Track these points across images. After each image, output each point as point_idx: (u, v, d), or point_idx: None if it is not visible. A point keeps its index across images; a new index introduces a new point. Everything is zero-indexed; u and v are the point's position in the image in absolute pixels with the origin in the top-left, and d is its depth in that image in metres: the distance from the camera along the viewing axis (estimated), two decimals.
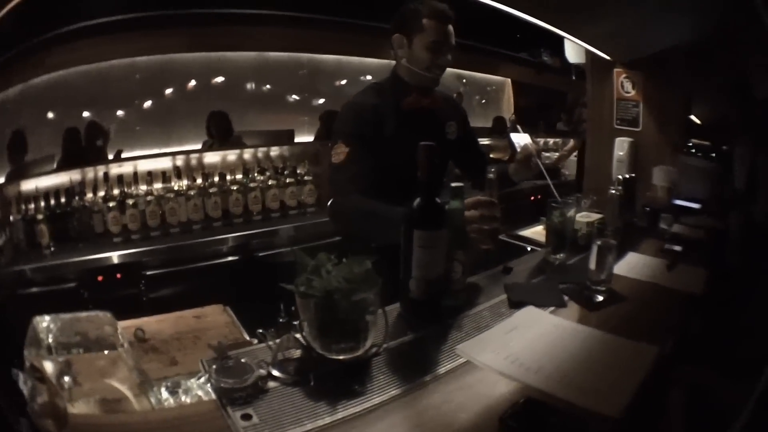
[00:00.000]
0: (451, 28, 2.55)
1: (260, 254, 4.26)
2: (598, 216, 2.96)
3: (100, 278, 3.68)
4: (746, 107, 3.53)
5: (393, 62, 2.75)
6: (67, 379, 1.32)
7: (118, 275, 3.75)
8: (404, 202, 1.83)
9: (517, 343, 1.71)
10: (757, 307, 2.52)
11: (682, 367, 1.81)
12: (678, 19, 3.05)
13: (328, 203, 2.61)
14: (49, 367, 1.31)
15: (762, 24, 1.26)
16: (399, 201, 1.97)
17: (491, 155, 6.71)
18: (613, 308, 2.08)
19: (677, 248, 2.84)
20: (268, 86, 6.71)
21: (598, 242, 2.14)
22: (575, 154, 6.89)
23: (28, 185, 4.02)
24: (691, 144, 4.23)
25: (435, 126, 2.74)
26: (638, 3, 2.77)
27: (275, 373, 1.45)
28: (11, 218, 3.79)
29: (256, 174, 4.75)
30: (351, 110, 2.63)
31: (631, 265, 2.63)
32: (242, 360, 1.45)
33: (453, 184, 1.92)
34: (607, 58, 4.23)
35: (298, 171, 4.88)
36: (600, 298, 2.12)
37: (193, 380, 1.49)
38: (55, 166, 4.57)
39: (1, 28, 1.30)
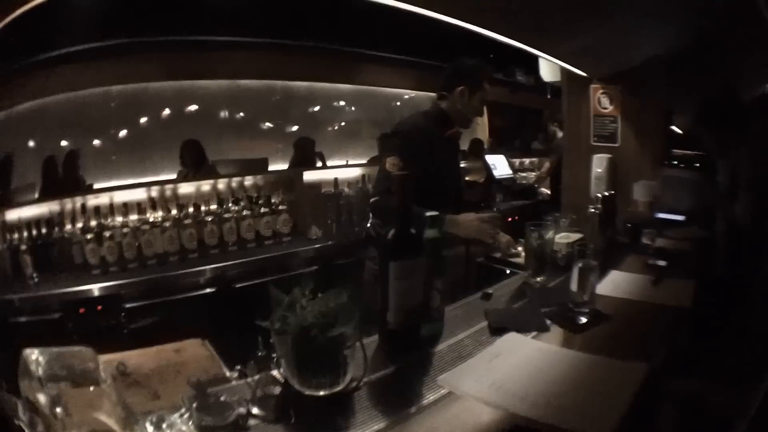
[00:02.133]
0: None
1: (237, 285, 4.24)
2: (578, 236, 2.94)
3: (81, 310, 3.64)
4: (720, 121, 3.56)
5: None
6: (59, 410, 1.30)
7: (99, 307, 3.70)
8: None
9: (500, 371, 1.69)
10: (748, 314, 2.53)
11: (674, 382, 1.80)
12: (656, 30, 3.07)
13: (371, 200, 3.13)
14: (42, 398, 1.30)
15: (759, 24, 1.25)
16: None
17: (467, 178, 6.72)
18: (597, 329, 2.07)
19: (662, 263, 2.86)
20: (241, 114, 6.77)
21: (579, 264, 2.14)
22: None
23: (12, 215, 4.00)
24: (673, 155, 4.25)
25: (458, 152, 3.56)
26: (615, 17, 2.79)
27: (255, 411, 1.42)
28: None
29: (230, 204, 4.73)
30: (411, 127, 3.22)
31: (614, 283, 2.63)
32: (221, 398, 1.43)
33: (428, 214, 1.91)
34: (584, 74, 4.24)
35: (273, 200, 4.86)
36: (583, 319, 2.11)
37: (175, 415, 1.47)
38: (36, 195, 4.55)
39: None
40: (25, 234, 3.88)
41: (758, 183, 3.16)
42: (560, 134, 6.32)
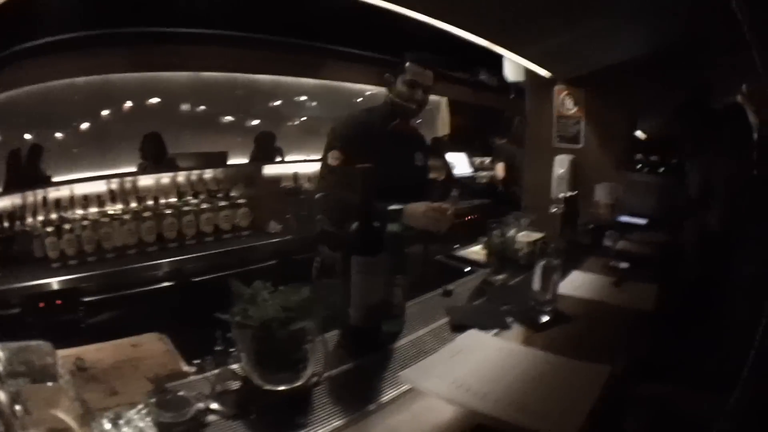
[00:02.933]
0: (429, 72, 3.14)
1: (195, 279, 4.24)
2: (540, 235, 2.95)
3: (41, 304, 3.63)
4: (698, 120, 3.59)
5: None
6: (18, 407, 1.27)
7: (58, 301, 3.68)
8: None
9: (462, 368, 1.69)
10: (718, 320, 2.55)
11: (643, 386, 1.80)
12: (627, 33, 3.09)
13: (315, 196, 3.07)
14: (1, 396, 1.26)
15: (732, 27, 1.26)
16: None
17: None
18: (558, 328, 2.08)
19: (624, 265, 2.88)
20: (203, 107, 6.70)
21: (542, 262, 2.14)
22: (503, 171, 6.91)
23: None
24: (637, 159, 4.27)
25: (411, 148, 3.36)
26: (586, 19, 2.80)
27: (214, 406, 1.41)
28: None
29: (190, 197, 4.72)
30: (351, 119, 3.23)
31: (576, 283, 2.65)
32: (180, 393, 1.42)
33: (390, 208, 1.91)
34: (549, 75, 4.26)
35: (232, 194, 4.88)
36: (545, 318, 2.12)
37: (133, 411, 1.45)
38: (1, 188, 4.51)
39: None
40: None
41: (732, 183, 3.20)
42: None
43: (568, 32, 3.05)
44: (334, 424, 1.38)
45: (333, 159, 2.96)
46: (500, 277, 2.60)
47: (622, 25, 2.91)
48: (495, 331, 2.03)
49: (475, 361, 1.75)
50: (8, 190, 4.38)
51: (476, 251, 3.33)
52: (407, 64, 3.10)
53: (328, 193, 2.97)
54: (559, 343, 1.92)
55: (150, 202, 4.50)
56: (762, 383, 1.21)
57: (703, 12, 2.64)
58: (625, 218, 3.88)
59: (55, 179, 4.93)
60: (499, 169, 6.86)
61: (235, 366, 1.54)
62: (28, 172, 4.96)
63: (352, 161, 2.54)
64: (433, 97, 9.52)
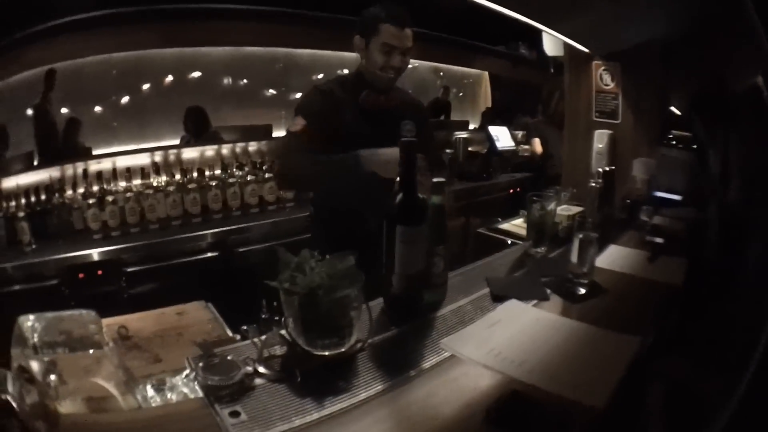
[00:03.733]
0: (407, 31, 2.69)
1: (240, 250, 4.25)
2: (579, 209, 2.97)
3: (81, 275, 3.66)
4: (712, 109, 3.57)
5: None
6: (52, 377, 1.30)
7: (99, 272, 3.73)
8: None
9: (500, 337, 1.72)
10: (735, 299, 2.54)
11: (662, 361, 1.82)
12: (657, 12, 3.06)
13: (275, 163, 2.91)
14: (34, 366, 1.30)
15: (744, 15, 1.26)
16: None
17: (470, 148, 6.71)
18: (594, 301, 2.09)
19: (659, 240, 2.89)
20: (244, 81, 6.71)
21: (580, 236, 2.16)
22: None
23: (9, 182, 4.00)
24: (671, 136, 4.25)
25: (390, 123, 2.59)
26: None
27: (261, 369, 1.45)
28: None
29: (234, 169, 4.74)
30: (317, 92, 2.82)
31: (612, 257, 2.65)
32: (228, 357, 1.46)
33: (434, 180, 1.93)
34: (586, 50, 4.24)
35: None
36: (582, 291, 2.13)
37: (177, 378, 1.49)
38: (35, 162, 4.55)
39: None
40: (23, 201, 3.90)
41: (747, 170, 3.18)
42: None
43: (599, 9, 3.04)
44: (376, 388, 1.42)
45: (294, 125, 2.67)
46: (540, 249, 2.62)
47: (647, 6, 2.89)
48: (534, 302, 2.05)
49: (513, 330, 1.78)
50: (43, 163, 4.43)
51: (518, 224, 3.37)
52: (381, 24, 2.66)
53: (287, 159, 2.76)
54: (594, 315, 1.95)
55: (194, 174, 4.53)
56: None
57: None
58: (660, 194, 3.88)
59: (95, 153, 4.98)
60: (536, 145, 6.82)
61: (282, 331, 1.57)
62: (65, 145, 5.02)
63: (314, 136, 2.58)
64: (474, 71, 9.34)
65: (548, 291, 2.14)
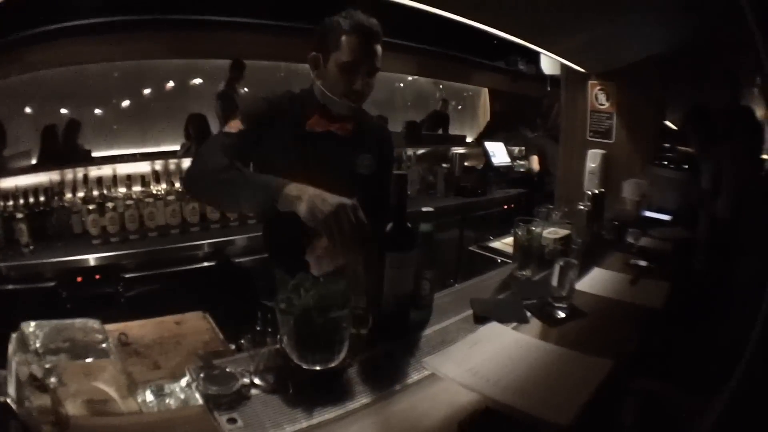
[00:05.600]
0: (377, 47, 2.21)
1: (237, 260, 4.29)
2: (566, 232, 3.01)
3: (79, 279, 3.70)
4: (706, 125, 3.67)
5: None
6: (53, 379, 1.38)
7: (97, 276, 3.77)
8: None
9: (478, 357, 1.82)
10: (716, 323, 2.62)
11: (638, 379, 1.87)
12: (652, 31, 3.15)
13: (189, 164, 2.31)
14: (36, 371, 1.37)
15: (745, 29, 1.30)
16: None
17: (465, 163, 6.78)
18: (573, 324, 2.17)
19: (642, 263, 2.95)
20: (245, 89, 6.68)
21: (561, 262, 2.24)
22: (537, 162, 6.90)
23: (8, 183, 4.06)
24: (664, 154, 4.33)
25: (343, 154, 2.37)
26: (611, 17, 2.88)
27: (257, 381, 1.56)
28: None
29: None
30: (263, 101, 2.35)
31: (594, 280, 2.73)
32: (227, 369, 1.56)
33: (424, 209, 2.01)
34: (581, 70, 4.32)
35: None
36: (561, 314, 2.21)
37: (176, 384, 1.58)
38: (33, 161, 4.60)
39: None
40: (21, 202, 3.93)
41: (737, 184, 3.26)
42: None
43: (593, 29, 3.12)
44: (362, 400, 1.53)
45: (229, 127, 2.22)
46: (525, 272, 2.67)
47: (647, 22, 2.97)
48: (514, 324, 2.13)
49: (492, 351, 1.88)
50: (43, 165, 4.46)
51: (508, 242, 3.40)
52: (344, 36, 2.15)
53: (202, 159, 2.21)
54: (572, 338, 2.03)
55: None
56: (753, 382, 1.28)
57: (722, 11, 2.70)
58: (650, 213, 3.95)
59: (94, 155, 5.03)
60: (534, 162, 6.88)
61: (275, 346, 1.68)
62: (65, 147, 5.06)
63: (246, 145, 2.19)
64: (473, 87, 9.27)
65: (528, 314, 2.22)
